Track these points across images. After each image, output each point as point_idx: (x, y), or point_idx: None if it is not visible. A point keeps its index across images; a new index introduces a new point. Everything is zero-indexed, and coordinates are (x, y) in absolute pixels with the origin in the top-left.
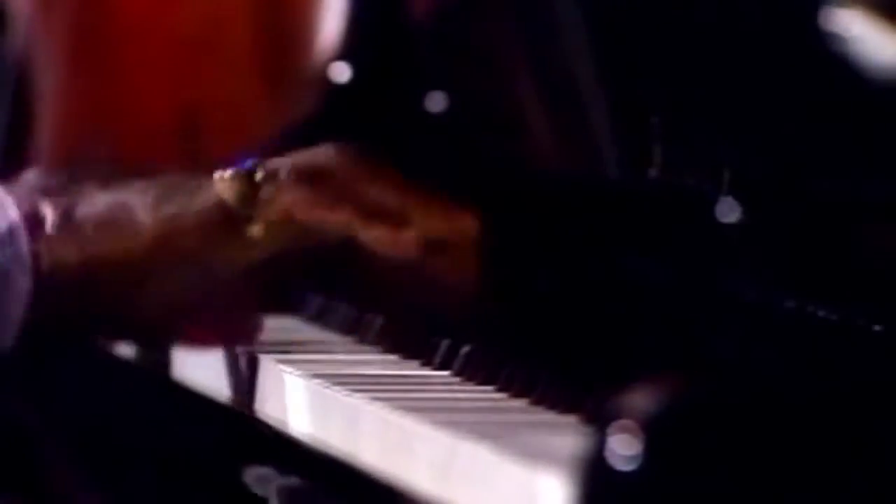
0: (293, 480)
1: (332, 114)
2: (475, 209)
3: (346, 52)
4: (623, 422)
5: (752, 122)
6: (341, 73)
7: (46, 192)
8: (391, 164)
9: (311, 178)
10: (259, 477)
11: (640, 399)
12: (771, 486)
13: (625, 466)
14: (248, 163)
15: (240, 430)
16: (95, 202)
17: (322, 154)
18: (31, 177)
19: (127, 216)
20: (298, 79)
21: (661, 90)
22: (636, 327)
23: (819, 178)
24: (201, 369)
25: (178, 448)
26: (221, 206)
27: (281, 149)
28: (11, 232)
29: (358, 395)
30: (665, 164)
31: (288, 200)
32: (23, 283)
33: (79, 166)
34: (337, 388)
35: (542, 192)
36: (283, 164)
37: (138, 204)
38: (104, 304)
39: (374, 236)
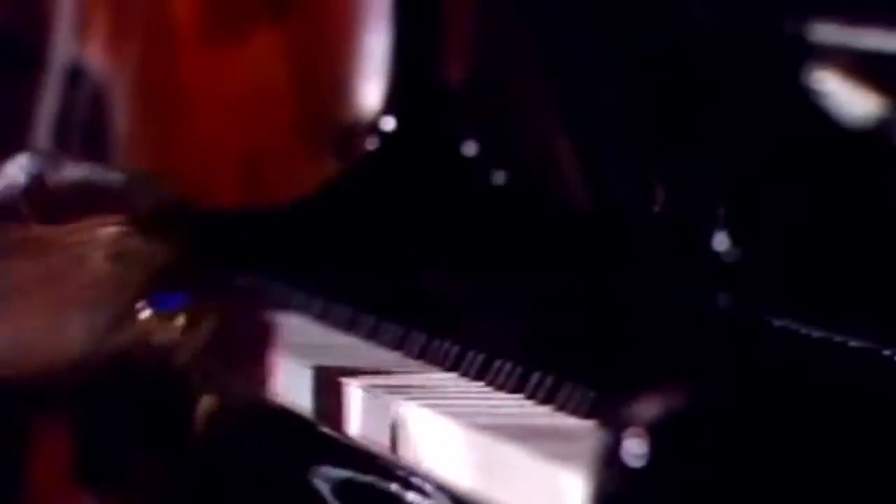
0: (345, 474)
1: (380, 158)
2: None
3: (391, 104)
4: (634, 425)
5: (742, 166)
6: (387, 123)
7: None
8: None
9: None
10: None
11: (649, 406)
12: (759, 482)
13: (636, 464)
14: (173, 305)
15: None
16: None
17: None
18: None
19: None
20: (336, 128)
21: (665, 140)
22: (645, 343)
23: (802, 211)
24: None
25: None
26: (143, 343)
27: (334, 190)
28: None
29: (407, 401)
30: (667, 202)
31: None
32: None
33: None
34: (388, 395)
35: (565, 226)
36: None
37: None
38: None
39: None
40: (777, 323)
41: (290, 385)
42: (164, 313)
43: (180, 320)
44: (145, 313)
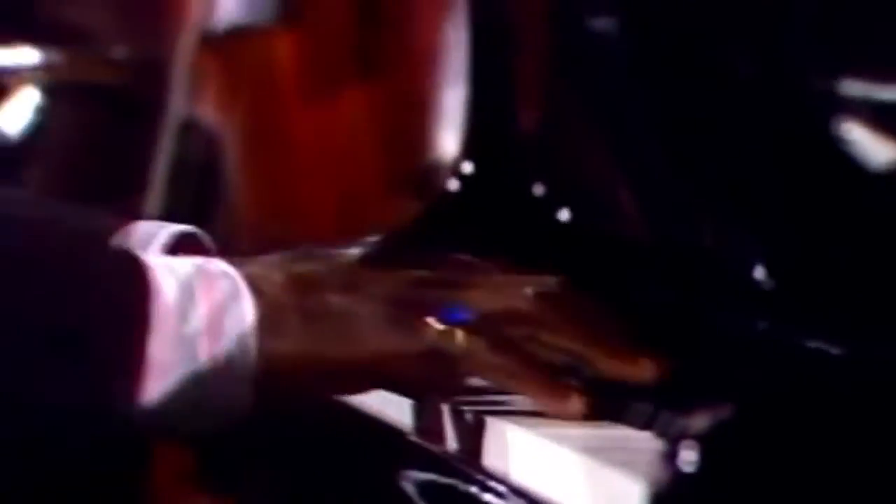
0: (429, 477)
1: (458, 198)
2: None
3: (468, 150)
4: (688, 437)
5: (777, 206)
6: (465, 167)
7: (289, 282)
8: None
9: (503, 337)
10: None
11: (701, 419)
12: (794, 488)
13: (689, 470)
14: (459, 317)
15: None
16: (329, 306)
17: (522, 299)
18: (273, 262)
19: (353, 335)
20: (419, 172)
21: (711, 185)
22: (696, 363)
23: (832, 247)
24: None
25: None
26: (437, 351)
27: (419, 225)
28: (245, 327)
29: (485, 415)
30: (715, 238)
31: (482, 364)
32: (245, 374)
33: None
34: (470, 409)
35: (622, 257)
36: (485, 317)
37: (364, 326)
38: (305, 393)
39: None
40: (811, 344)
41: (390, 401)
42: (448, 326)
43: (460, 335)
44: (432, 323)
